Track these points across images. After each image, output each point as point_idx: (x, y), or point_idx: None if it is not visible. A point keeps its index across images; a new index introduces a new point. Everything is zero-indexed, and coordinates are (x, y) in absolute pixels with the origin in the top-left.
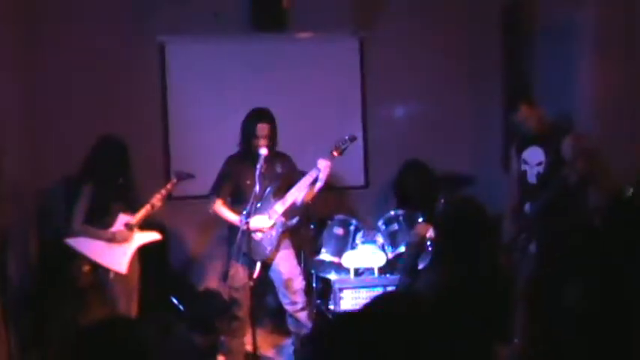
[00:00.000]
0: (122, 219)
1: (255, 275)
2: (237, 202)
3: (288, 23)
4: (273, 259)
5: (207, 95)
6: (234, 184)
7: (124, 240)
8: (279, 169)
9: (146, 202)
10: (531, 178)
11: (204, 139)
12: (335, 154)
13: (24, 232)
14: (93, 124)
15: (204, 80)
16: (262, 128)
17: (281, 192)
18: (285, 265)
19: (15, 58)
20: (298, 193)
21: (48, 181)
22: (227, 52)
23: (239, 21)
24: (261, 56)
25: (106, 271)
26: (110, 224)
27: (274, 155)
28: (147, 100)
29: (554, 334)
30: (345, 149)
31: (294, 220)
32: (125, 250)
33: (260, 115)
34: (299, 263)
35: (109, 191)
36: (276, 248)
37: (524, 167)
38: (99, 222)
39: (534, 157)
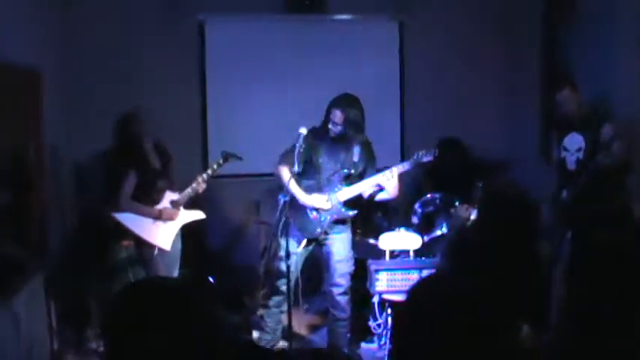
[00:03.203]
0: (168, 196)
1: (298, 250)
2: (305, 176)
3: (327, 5)
4: (325, 240)
5: (245, 75)
6: (304, 157)
7: (170, 218)
8: (355, 158)
9: (191, 181)
10: (571, 165)
11: (242, 118)
12: (411, 165)
13: (62, 207)
14: (131, 102)
15: (243, 59)
16: (335, 114)
17: (351, 180)
18: (338, 247)
19: (54, 33)
20: (365, 188)
21: (85, 156)
22: (266, 32)
23: (278, 1)
24: (300, 37)
25: (151, 247)
26: (156, 201)
27: (353, 141)
28: (186, 78)
29: (590, 321)
30: (425, 162)
31: (351, 213)
32: (170, 228)
33: (337, 101)
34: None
35: (155, 168)
36: (330, 231)
37: (563, 154)
38: (145, 198)
39: (574, 143)
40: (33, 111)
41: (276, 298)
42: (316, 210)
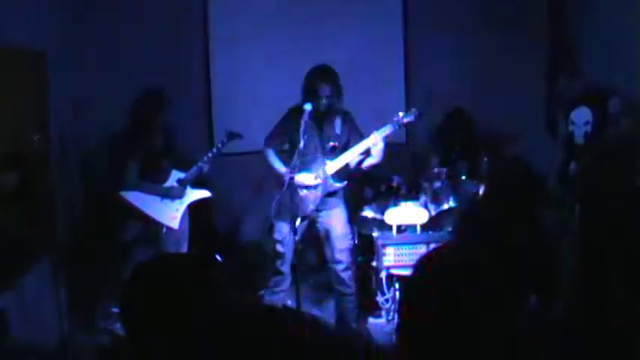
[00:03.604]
0: (175, 175)
1: (295, 229)
2: (290, 157)
3: None
4: (319, 217)
5: (250, 46)
6: (288, 137)
7: (178, 196)
8: (337, 130)
9: (196, 159)
10: (579, 139)
11: (247, 91)
12: (394, 127)
13: (70, 189)
14: (134, 78)
15: (246, 31)
16: (324, 90)
17: (336, 152)
18: (335, 223)
19: (59, 13)
20: (351, 158)
21: (92, 136)
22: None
23: None
24: (305, 6)
25: (159, 226)
26: (162, 180)
27: (335, 113)
28: (189, 53)
29: (599, 293)
30: (407, 123)
31: (341, 184)
32: (178, 206)
33: (320, 74)
34: (349, 223)
35: (159, 147)
36: (324, 207)
37: (571, 128)
38: (151, 177)
39: (582, 117)
40: (38, 93)
41: (274, 279)
42: (306, 187)
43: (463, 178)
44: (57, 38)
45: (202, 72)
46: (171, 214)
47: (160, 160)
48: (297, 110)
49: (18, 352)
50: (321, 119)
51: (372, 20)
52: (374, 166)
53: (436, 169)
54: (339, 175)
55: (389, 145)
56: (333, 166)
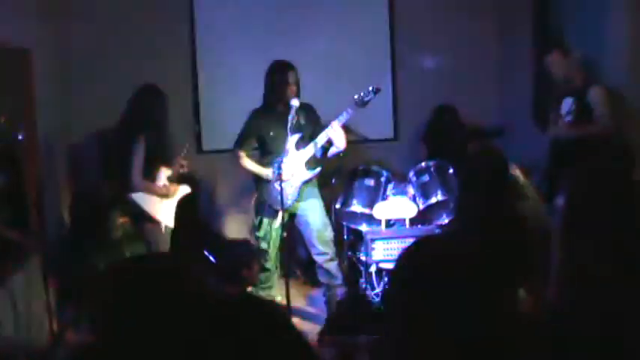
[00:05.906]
0: (164, 173)
1: (276, 225)
2: (261, 154)
3: None
4: (297, 210)
5: (236, 40)
6: (257, 137)
7: (174, 194)
8: (302, 120)
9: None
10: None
11: (234, 87)
12: (355, 106)
13: (57, 187)
14: (121, 77)
15: (233, 25)
16: (293, 76)
17: (303, 143)
18: (313, 215)
19: (45, 9)
20: (316, 149)
21: (79, 135)
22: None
23: None
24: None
25: (158, 224)
26: (154, 178)
27: (299, 106)
28: (176, 48)
29: (587, 279)
30: (368, 102)
31: (315, 172)
32: (171, 204)
33: (289, 64)
34: (328, 214)
35: (156, 144)
36: (301, 199)
37: (556, 119)
38: (148, 175)
39: (565, 107)
40: (24, 92)
41: (262, 275)
42: (282, 181)
43: (450, 170)
44: (43, 35)
45: (189, 66)
46: (169, 212)
47: (158, 158)
48: (257, 112)
49: (8, 352)
50: (278, 116)
51: (357, 19)
52: (339, 154)
53: (424, 163)
54: (309, 164)
55: (377, 140)
56: (302, 155)
